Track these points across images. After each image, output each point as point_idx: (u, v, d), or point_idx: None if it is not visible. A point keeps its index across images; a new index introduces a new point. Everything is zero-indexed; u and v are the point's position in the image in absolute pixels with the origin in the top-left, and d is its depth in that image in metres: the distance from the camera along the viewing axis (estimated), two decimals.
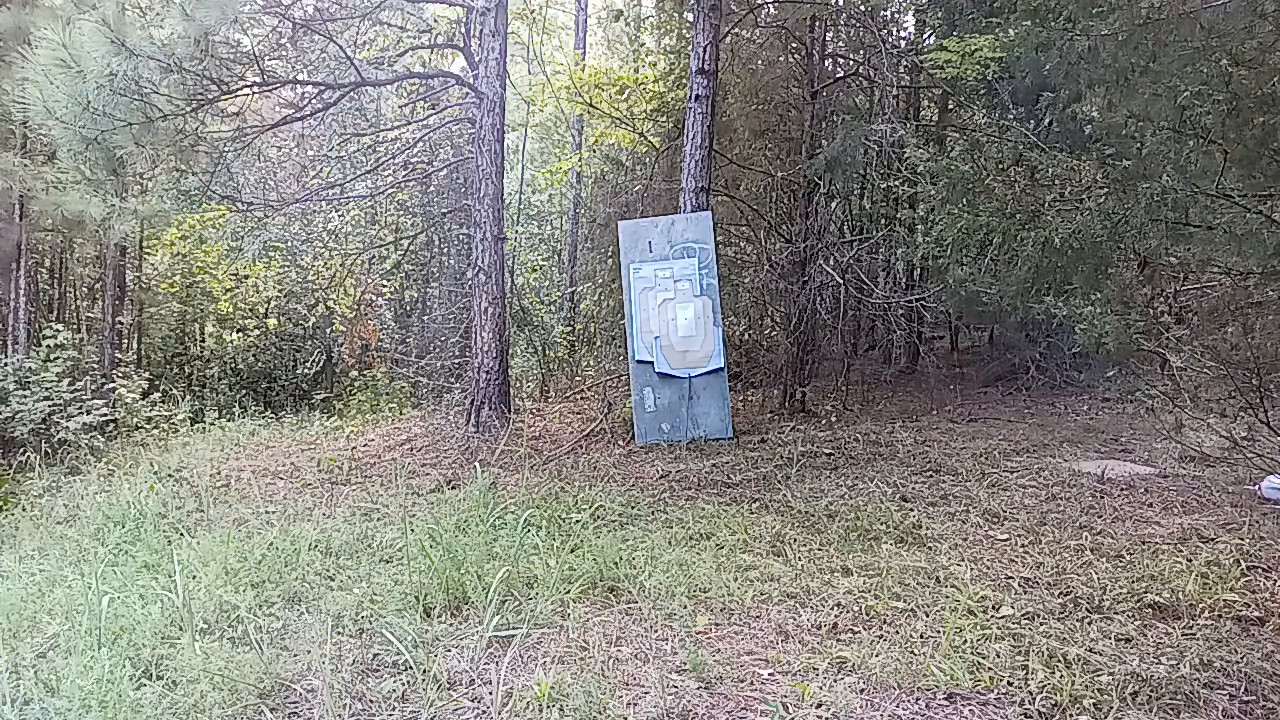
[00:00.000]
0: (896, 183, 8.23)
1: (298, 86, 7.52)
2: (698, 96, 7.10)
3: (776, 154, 9.24)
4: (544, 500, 4.57)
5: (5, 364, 8.22)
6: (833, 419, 7.07)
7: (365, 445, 7.30)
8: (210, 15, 5.06)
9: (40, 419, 7.84)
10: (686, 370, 6.59)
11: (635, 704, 2.38)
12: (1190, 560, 3.32)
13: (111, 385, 9.21)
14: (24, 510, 5.45)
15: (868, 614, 2.94)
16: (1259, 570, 3.24)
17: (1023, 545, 3.66)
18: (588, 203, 12.79)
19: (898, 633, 2.78)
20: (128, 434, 8.77)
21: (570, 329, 11.54)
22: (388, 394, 10.91)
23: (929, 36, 9.48)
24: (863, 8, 8.87)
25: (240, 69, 6.03)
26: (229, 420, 9.21)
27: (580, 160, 11.82)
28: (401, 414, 9.28)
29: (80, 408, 8.12)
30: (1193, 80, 3.22)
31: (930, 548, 3.66)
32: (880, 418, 7.26)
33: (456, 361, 10.65)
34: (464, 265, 11.18)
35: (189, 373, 12.21)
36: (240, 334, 11.87)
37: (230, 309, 11.44)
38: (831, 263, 8.00)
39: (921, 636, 2.73)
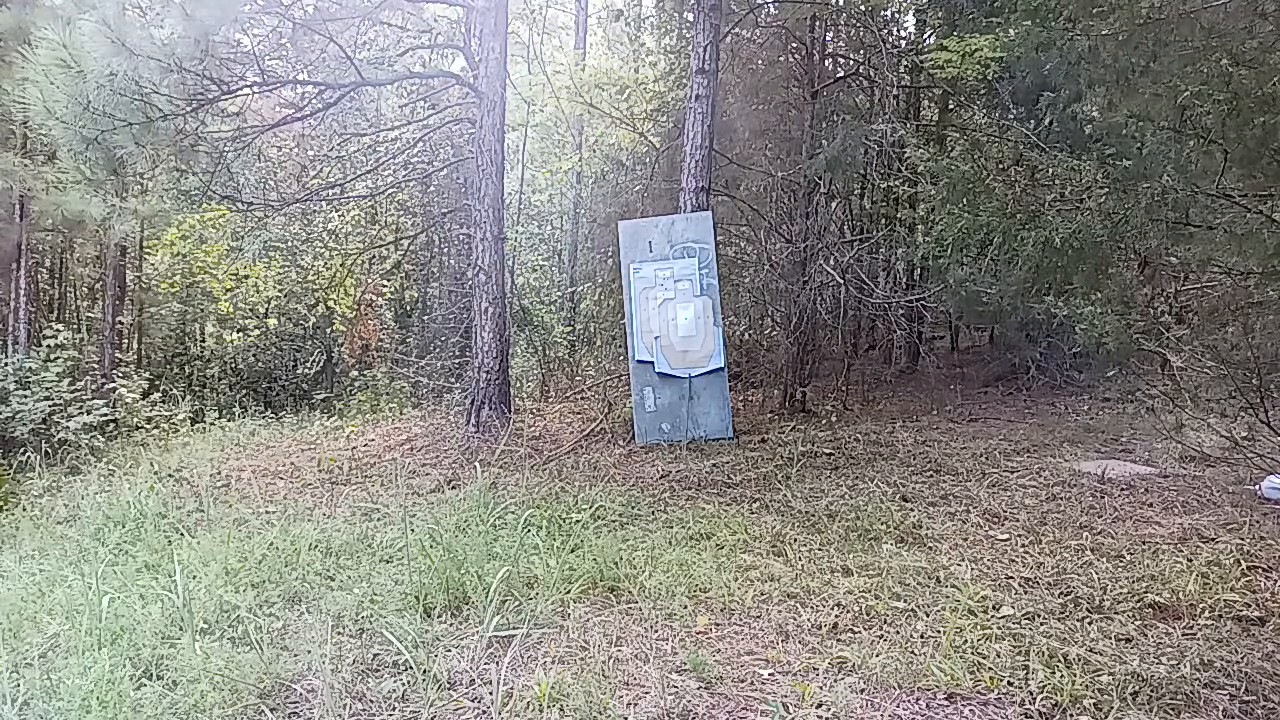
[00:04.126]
0: (896, 183, 8.24)
1: (298, 86, 7.53)
2: (698, 96, 7.10)
3: (776, 154, 9.25)
4: (544, 500, 4.57)
5: (5, 364, 8.22)
6: (833, 419, 7.07)
7: (365, 445, 7.30)
8: (210, 15, 5.07)
9: (40, 419, 7.84)
10: (686, 370, 6.59)
11: (635, 704, 2.38)
12: (1190, 560, 3.32)
13: (111, 385, 9.21)
14: (24, 510, 5.44)
15: (868, 614, 2.94)
16: (1259, 570, 3.24)
17: (1023, 545, 3.66)
18: (588, 203, 12.80)
19: (898, 633, 2.78)
20: (128, 434, 8.76)
21: (570, 329, 11.54)
22: (388, 394, 10.91)
23: (929, 36, 9.49)
24: (863, 8, 8.87)
25: (240, 69, 6.04)
26: (229, 420, 9.21)
27: (580, 160, 11.82)
28: (401, 414, 9.28)
29: (80, 408, 8.12)
30: (1193, 80, 3.22)
31: (930, 548, 3.66)
32: (880, 418, 7.26)
33: (456, 361, 10.66)
34: (464, 265, 11.18)
35: (189, 373, 12.21)
36: (240, 334, 11.87)
37: (230, 309, 11.44)
38: (832, 263, 8.01)
39: (922, 636, 2.73)
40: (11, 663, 2.67)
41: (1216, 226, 3.57)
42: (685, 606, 3.05)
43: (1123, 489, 4.54)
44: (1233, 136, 3.22)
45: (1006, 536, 3.79)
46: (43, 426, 7.83)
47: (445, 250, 12.93)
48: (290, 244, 11.42)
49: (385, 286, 12.48)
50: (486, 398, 7.19)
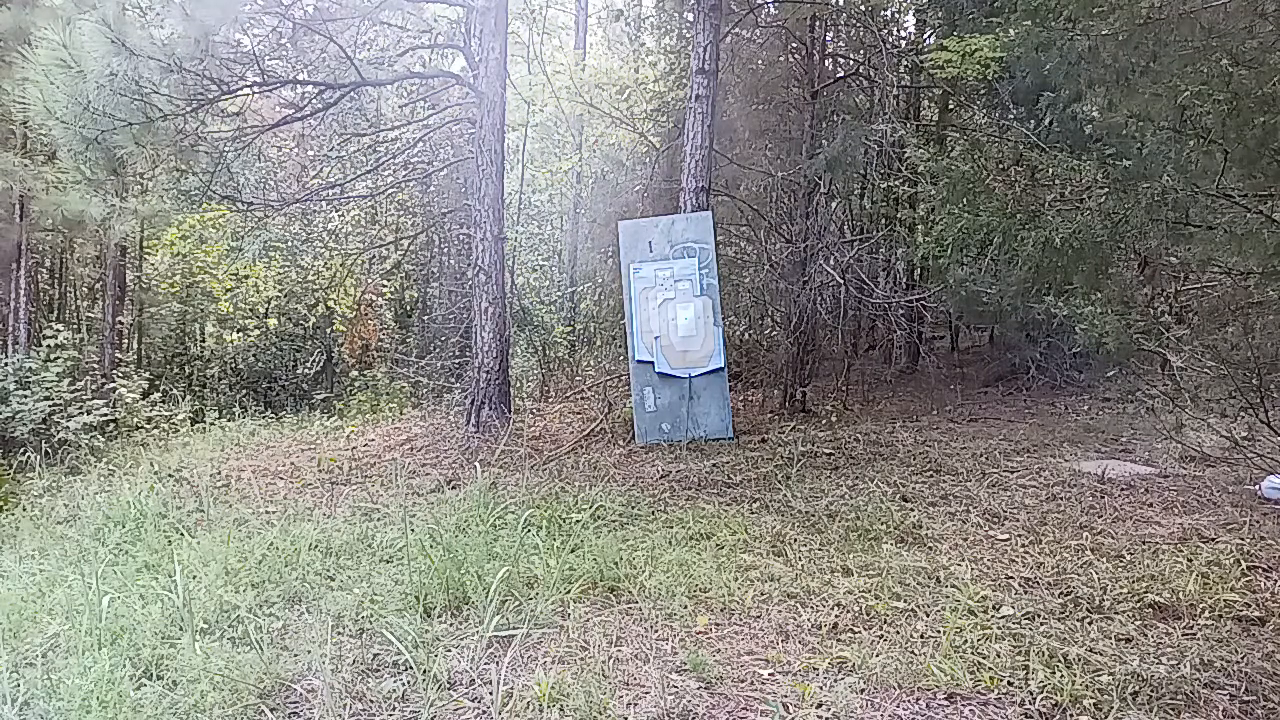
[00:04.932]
0: (897, 183, 8.25)
1: (298, 86, 7.52)
2: (698, 96, 7.10)
3: (776, 154, 9.25)
4: (544, 500, 4.57)
5: (5, 364, 8.22)
6: (833, 419, 7.07)
7: (365, 445, 7.30)
8: (210, 15, 5.07)
9: (40, 419, 7.83)
10: (686, 370, 6.59)
11: (635, 704, 2.38)
12: (1190, 560, 3.32)
13: (111, 385, 9.21)
14: (24, 510, 5.44)
15: (868, 614, 2.94)
16: (1259, 570, 3.24)
17: (1023, 545, 3.66)
18: (588, 203, 12.80)
19: (898, 633, 2.78)
20: (128, 434, 8.76)
21: (570, 329, 11.54)
22: (388, 394, 10.91)
23: (929, 36, 9.49)
24: (863, 8, 8.87)
25: (240, 69, 6.04)
26: (229, 420, 9.21)
27: (580, 160, 11.82)
28: (401, 414, 9.28)
29: (80, 408, 8.12)
30: (1193, 80, 3.23)
31: (930, 548, 3.66)
32: (880, 418, 7.26)
33: (456, 361, 10.66)
34: (464, 265, 11.19)
35: (189, 373, 12.21)
36: (240, 334, 11.87)
37: (230, 309, 11.44)
38: (832, 263, 8.01)
39: (922, 636, 2.73)
40: (11, 663, 2.67)
41: (1216, 226, 3.57)
42: (685, 606, 3.05)
43: (1123, 489, 4.54)
44: (1233, 136, 3.22)
45: (1006, 536, 3.79)
46: (43, 426, 7.83)
47: (445, 250, 12.93)
48: (290, 244, 11.42)
49: (385, 286, 12.48)
50: (486, 398, 7.19)
